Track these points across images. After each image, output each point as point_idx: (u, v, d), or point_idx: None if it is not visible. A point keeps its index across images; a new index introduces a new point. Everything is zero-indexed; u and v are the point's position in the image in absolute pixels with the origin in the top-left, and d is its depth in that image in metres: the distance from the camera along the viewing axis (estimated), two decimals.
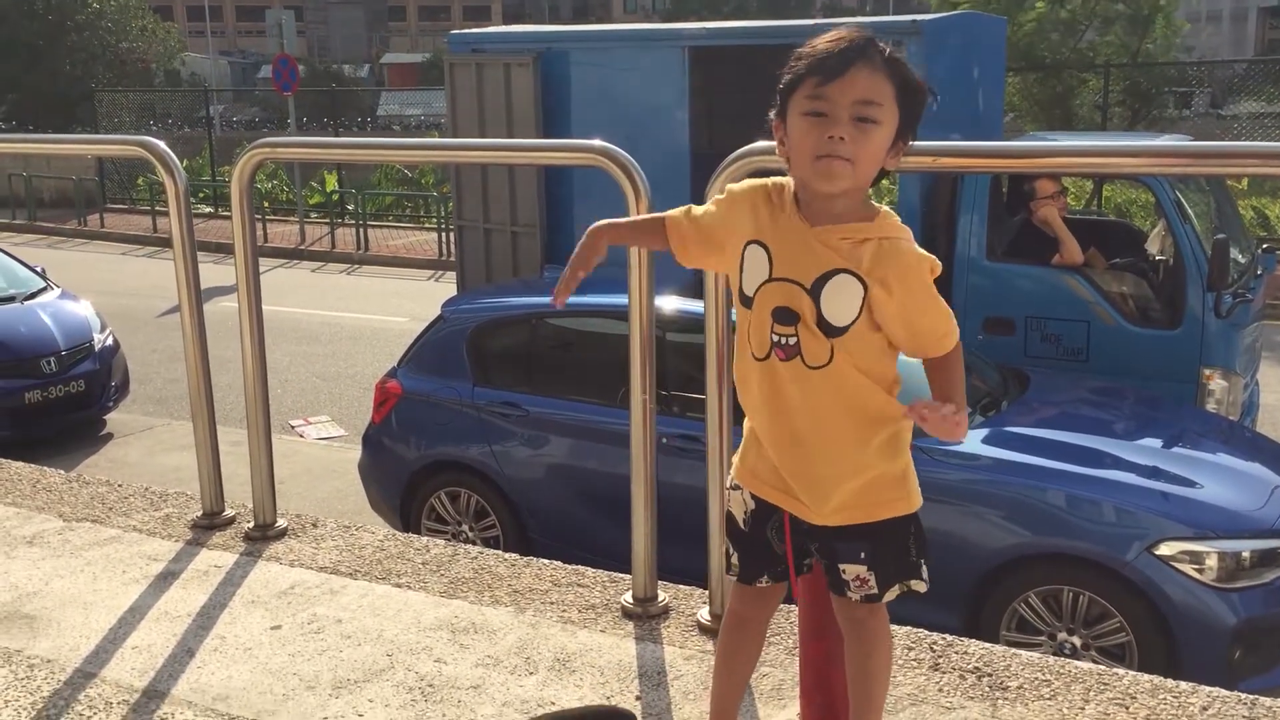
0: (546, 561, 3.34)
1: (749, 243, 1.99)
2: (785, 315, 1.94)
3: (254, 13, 70.21)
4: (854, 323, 1.92)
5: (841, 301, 1.92)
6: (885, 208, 1.97)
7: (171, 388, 9.94)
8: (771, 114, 1.97)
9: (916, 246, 1.95)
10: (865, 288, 1.90)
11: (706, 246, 2.10)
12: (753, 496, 2.08)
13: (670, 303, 5.25)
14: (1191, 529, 4.40)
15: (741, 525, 2.11)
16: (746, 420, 2.10)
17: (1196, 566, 4.33)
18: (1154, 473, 4.77)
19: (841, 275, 1.91)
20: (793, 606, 2.57)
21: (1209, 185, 7.17)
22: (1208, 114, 24.54)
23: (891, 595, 2.03)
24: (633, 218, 2.29)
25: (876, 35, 1.91)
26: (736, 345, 2.06)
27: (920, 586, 2.05)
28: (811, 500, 2.00)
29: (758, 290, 1.97)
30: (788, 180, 2.00)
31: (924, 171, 6.67)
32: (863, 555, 2.00)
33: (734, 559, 2.13)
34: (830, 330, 1.93)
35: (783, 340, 1.95)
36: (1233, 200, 8.02)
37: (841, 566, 2.02)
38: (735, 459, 2.14)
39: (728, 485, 2.17)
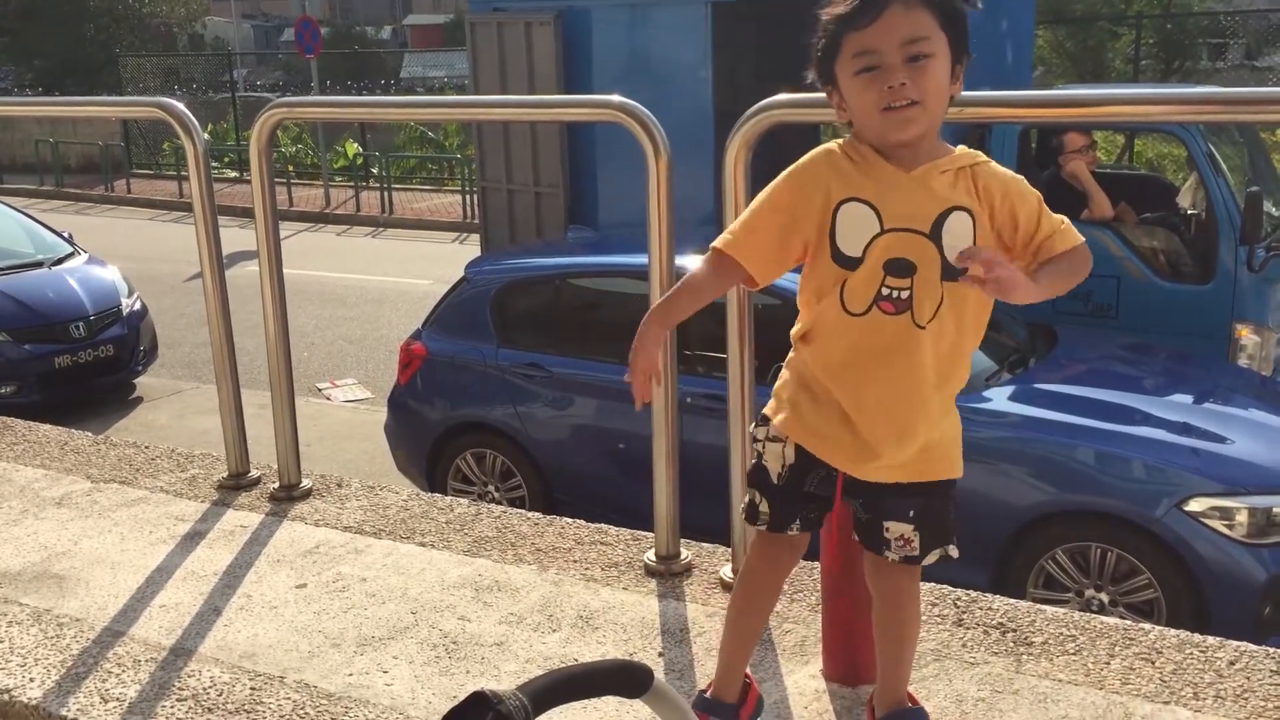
0: (569, 520, 3.35)
1: (843, 202, 1.88)
2: (901, 267, 1.86)
3: None
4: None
5: (960, 240, 1.86)
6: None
7: (200, 352, 9.99)
8: (816, 82, 1.91)
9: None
10: (974, 220, 1.86)
11: (785, 243, 1.93)
12: (796, 451, 2.02)
13: (693, 262, 5.22)
14: (1221, 485, 4.36)
15: (774, 479, 2.04)
16: (797, 375, 2.02)
17: (1226, 522, 4.29)
18: (1184, 429, 4.72)
19: (956, 213, 1.86)
20: (816, 564, 2.57)
21: (1242, 137, 7.04)
22: (1242, 65, 24.10)
23: (931, 559, 2.00)
24: (678, 287, 2.09)
25: None
26: (814, 304, 1.96)
27: (954, 552, 2.03)
28: (886, 453, 1.93)
29: (868, 246, 1.87)
30: (855, 141, 1.93)
31: (950, 124, 6.58)
32: (911, 514, 1.97)
33: (762, 507, 2.06)
34: (950, 271, 1.86)
35: (894, 294, 1.87)
36: (1266, 152, 7.87)
37: (886, 524, 1.99)
38: (775, 410, 2.05)
39: (762, 436, 2.06)
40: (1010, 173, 1.93)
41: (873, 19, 1.79)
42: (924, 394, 1.92)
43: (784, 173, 1.96)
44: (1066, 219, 1.95)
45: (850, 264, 1.90)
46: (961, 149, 1.92)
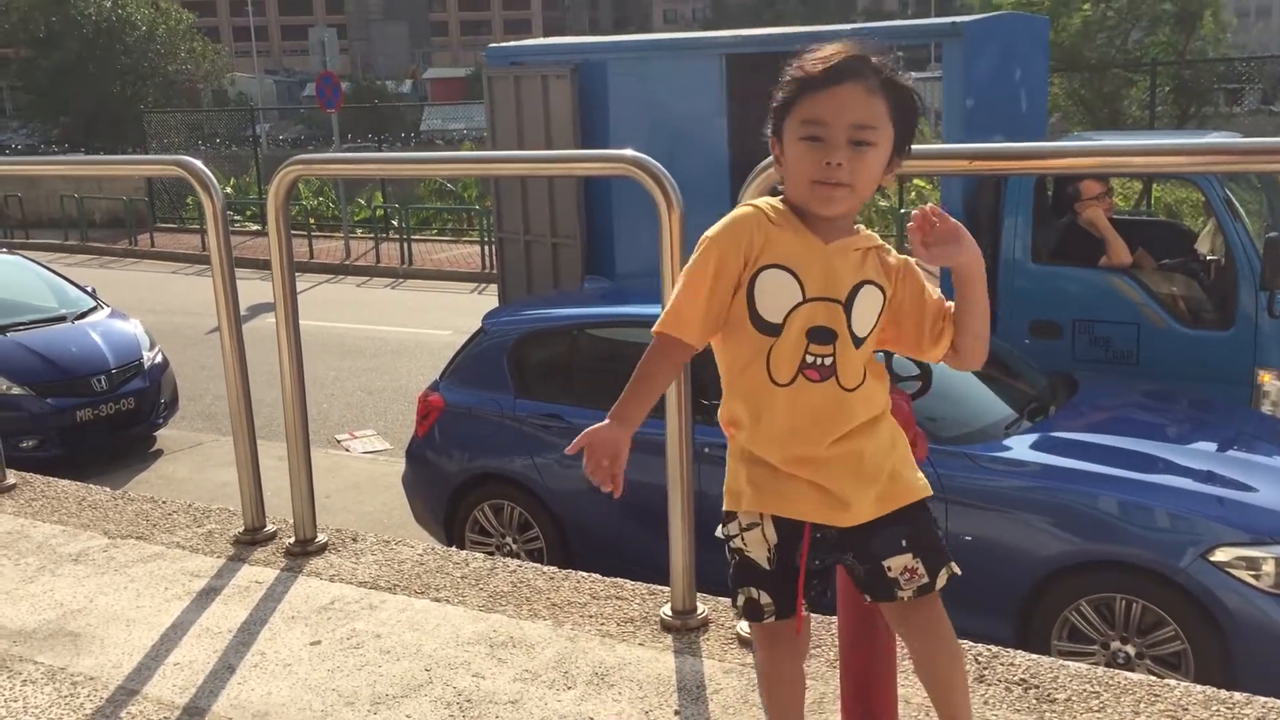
0: (585, 574, 3.32)
1: (764, 268, 1.90)
2: (823, 334, 1.90)
3: (298, 31, 71.32)
4: (870, 332, 1.96)
5: (866, 312, 1.95)
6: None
7: (220, 404, 10.03)
8: (768, 131, 1.97)
9: None
10: (882, 294, 1.95)
11: (722, 312, 1.93)
12: (775, 527, 1.98)
13: None
14: (1247, 534, 4.29)
15: (766, 565, 1.99)
16: (743, 455, 1.99)
17: (1253, 572, 4.22)
18: (1208, 477, 4.66)
19: (867, 287, 1.94)
20: (834, 618, 2.53)
21: (1261, 183, 7.02)
22: (1259, 110, 24.11)
23: (943, 580, 1.98)
24: (631, 388, 2.00)
25: (867, 48, 1.90)
26: (739, 375, 1.95)
27: (956, 568, 2.02)
28: (854, 495, 1.93)
29: (790, 313, 1.90)
30: (776, 200, 1.96)
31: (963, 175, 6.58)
32: (904, 543, 1.96)
33: (763, 600, 2.00)
34: (856, 340, 1.94)
35: (818, 361, 1.91)
36: None
37: (886, 564, 1.96)
38: (736, 502, 2.01)
39: (737, 530, 2.01)
40: (903, 257, 2.02)
41: (830, 87, 1.85)
42: (866, 448, 1.96)
43: (710, 235, 1.94)
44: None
45: (772, 331, 1.91)
46: (864, 231, 1.99)
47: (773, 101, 1.94)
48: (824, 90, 1.85)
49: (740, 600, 2.03)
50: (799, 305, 1.90)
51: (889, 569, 1.96)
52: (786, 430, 1.93)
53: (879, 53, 1.89)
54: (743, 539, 2.01)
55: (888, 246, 2.01)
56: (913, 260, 2.01)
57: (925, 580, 1.96)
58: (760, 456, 1.97)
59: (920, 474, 2.04)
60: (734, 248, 1.91)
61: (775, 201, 1.97)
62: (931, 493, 2.04)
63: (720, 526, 2.07)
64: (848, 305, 1.92)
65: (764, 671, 2.15)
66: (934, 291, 2.02)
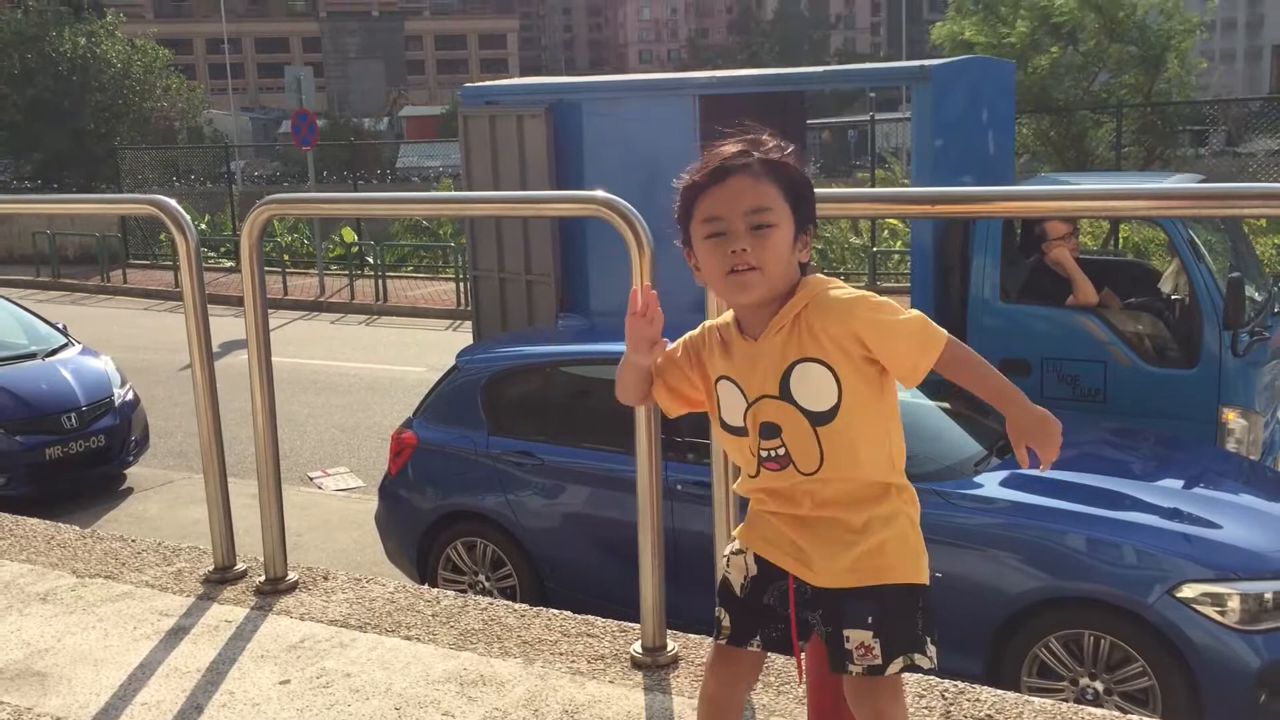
0: (556, 612, 3.33)
1: (718, 379, 2.06)
2: (768, 430, 2.00)
3: (275, 69, 71.45)
4: (840, 402, 1.94)
5: (811, 387, 1.95)
6: (813, 275, 2.01)
7: (192, 441, 9.97)
8: (679, 243, 2.05)
9: (844, 289, 1.97)
10: (824, 364, 1.94)
11: (683, 398, 2.14)
12: (756, 561, 2.07)
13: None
14: (1213, 571, 4.34)
15: (738, 591, 2.08)
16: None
17: (1219, 609, 4.27)
18: (1174, 514, 4.71)
19: (798, 365, 1.96)
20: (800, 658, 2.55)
21: (1224, 224, 7.14)
22: (1223, 152, 24.48)
23: (895, 668, 1.96)
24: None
25: (749, 142, 1.99)
26: (733, 455, 2.15)
27: (925, 662, 1.99)
28: (821, 559, 1.98)
29: (745, 418, 2.03)
30: (729, 315, 2.09)
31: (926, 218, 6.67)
32: (870, 620, 1.96)
33: (724, 621, 2.09)
34: (818, 418, 1.95)
35: (770, 454, 2.00)
36: (1247, 238, 7.98)
37: (846, 633, 1.97)
38: (741, 525, 2.14)
39: (728, 550, 2.15)
40: (849, 295, 1.97)
41: (719, 183, 1.95)
42: (847, 518, 1.99)
43: (686, 337, 2.14)
44: (926, 324, 1.97)
45: (739, 432, 2.05)
46: (806, 285, 1.99)
47: (674, 216, 2.04)
48: (714, 189, 1.95)
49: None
50: (747, 409, 2.02)
51: (847, 639, 1.98)
52: (760, 510, 2.07)
53: (762, 142, 1.99)
54: (729, 560, 2.12)
55: (819, 297, 1.96)
56: (852, 304, 1.95)
57: (877, 662, 1.96)
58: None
59: (917, 560, 2.02)
60: (694, 350, 2.10)
61: (728, 316, 2.09)
62: (922, 581, 2.02)
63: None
64: (785, 393, 1.97)
65: (706, 693, 2.17)
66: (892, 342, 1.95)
